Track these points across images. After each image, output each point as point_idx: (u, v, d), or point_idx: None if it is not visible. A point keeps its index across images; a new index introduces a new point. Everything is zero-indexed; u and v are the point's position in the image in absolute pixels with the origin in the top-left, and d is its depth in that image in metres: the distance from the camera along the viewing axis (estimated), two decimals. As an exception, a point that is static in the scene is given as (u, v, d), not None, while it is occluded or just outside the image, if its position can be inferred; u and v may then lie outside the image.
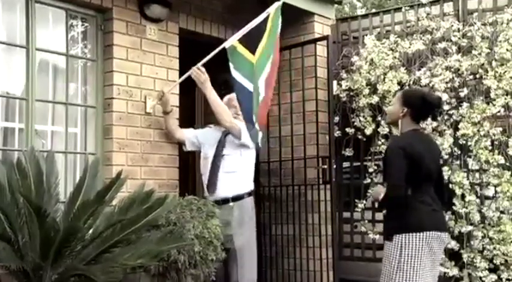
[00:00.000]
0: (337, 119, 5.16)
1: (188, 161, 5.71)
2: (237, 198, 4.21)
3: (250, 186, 4.30)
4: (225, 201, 4.19)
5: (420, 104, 3.36)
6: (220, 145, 4.32)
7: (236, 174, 4.23)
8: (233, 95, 4.35)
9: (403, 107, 3.37)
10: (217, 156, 4.27)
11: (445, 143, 4.46)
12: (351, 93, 5.08)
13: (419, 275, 3.14)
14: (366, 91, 4.90)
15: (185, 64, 4.57)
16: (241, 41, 4.08)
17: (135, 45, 4.36)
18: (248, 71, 4.07)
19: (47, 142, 4.16)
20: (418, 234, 3.15)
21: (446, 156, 4.50)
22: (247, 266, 4.13)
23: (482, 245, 4.36)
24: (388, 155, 3.32)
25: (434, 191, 3.34)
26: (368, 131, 4.94)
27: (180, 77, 4.54)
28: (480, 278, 4.37)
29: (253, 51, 4.10)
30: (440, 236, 3.23)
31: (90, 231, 3.38)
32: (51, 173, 3.48)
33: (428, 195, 3.28)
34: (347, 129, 5.05)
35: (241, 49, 4.07)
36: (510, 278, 4.25)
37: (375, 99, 4.84)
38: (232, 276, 4.15)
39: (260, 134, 4.16)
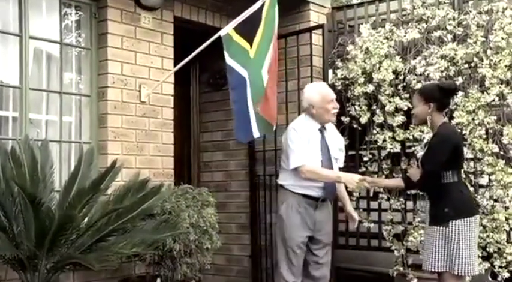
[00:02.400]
0: (332, 107, 5.15)
1: (183, 150, 5.72)
2: None
3: None
4: (324, 199, 4.01)
5: (441, 95, 3.55)
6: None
7: None
8: (321, 90, 4.08)
9: (428, 104, 3.53)
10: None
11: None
12: (346, 82, 5.07)
13: (474, 254, 3.49)
14: (361, 80, 4.89)
15: (180, 53, 4.56)
16: (236, 29, 4.06)
17: (129, 34, 4.34)
18: (245, 60, 4.05)
19: (41, 131, 4.15)
20: (471, 218, 3.46)
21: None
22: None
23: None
24: (436, 141, 3.51)
25: None
26: (363, 120, 4.94)
27: (175, 65, 4.52)
28: (474, 265, 4.40)
29: (249, 40, 4.09)
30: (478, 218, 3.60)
31: (85, 220, 3.39)
32: (45, 162, 3.48)
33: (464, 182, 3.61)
34: (342, 118, 5.04)
35: (237, 38, 4.06)
36: (503, 265, 4.27)
37: (370, 88, 4.83)
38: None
39: (262, 126, 4.09)
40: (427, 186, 3.60)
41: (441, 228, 3.45)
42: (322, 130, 4.01)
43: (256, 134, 4.09)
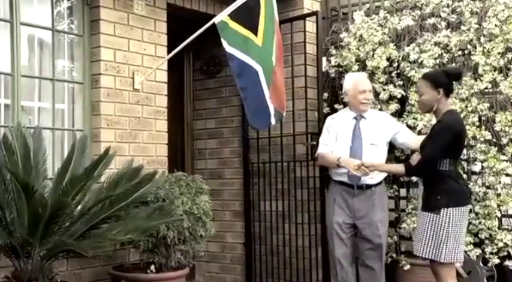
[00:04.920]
0: (326, 95, 5.16)
1: (177, 138, 5.71)
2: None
3: None
4: (361, 186, 4.14)
5: (448, 80, 3.58)
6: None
7: None
8: (356, 79, 4.29)
9: (437, 90, 3.54)
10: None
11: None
12: (340, 70, 5.07)
13: (461, 243, 3.57)
14: (355, 67, 4.88)
15: (173, 40, 4.54)
16: (232, 17, 4.04)
17: (122, 21, 4.31)
18: (248, 48, 4.04)
19: (33, 118, 4.13)
20: (463, 207, 3.52)
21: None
22: None
23: (468, 219, 4.41)
24: (439, 128, 3.53)
25: None
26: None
27: (168, 53, 4.50)
28: (465, 252, 4.43)
29: (252, 29, 4.07)
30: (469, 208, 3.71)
31: (79, 207, 3.38)
32: (38, 149, 3.47)
33: (459, 172, 3.68)
34: (336, 106, 5.05)
35: (233, 25, 4.03)
36: (494, 252, 4.31)
37: (364, 74, 4.82)
38: None
39: (274, 113, 4.19)
40: (424, 172, 3.63)
41: (432, 215, 3.50)
42: (358, 118, 4.19)
43: (273, 120, 4.21)
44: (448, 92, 3.60)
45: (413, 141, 4.15)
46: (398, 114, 4.73)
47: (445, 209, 3.47)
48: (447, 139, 3.47)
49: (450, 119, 3.53)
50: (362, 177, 4.06)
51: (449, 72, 3.63)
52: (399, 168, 3.93)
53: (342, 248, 4.18)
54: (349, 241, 4.20)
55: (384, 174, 4.22)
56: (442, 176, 3.52)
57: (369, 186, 4.14)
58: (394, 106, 4.71)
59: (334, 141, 4.23)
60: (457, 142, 3.55)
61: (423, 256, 3.56)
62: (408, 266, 4.54)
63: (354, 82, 4.26)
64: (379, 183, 4.19)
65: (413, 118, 4.58)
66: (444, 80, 3.56)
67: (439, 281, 3.61)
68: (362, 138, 4.15)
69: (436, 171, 3.52)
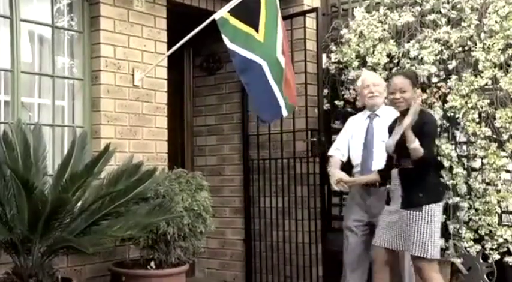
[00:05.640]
0: (326, 91, 5.15)
1: (177, 134, 5.71)
2: None
3: None
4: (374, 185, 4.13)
5: (417, 82, 3.74)
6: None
7: None
8: (361, 77, 4.37)
9: (414, 89, 3.63)
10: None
11: (436, 115, 4.47)
12: (340, 66, 5.06)
13: (439, 237, 3.63)
14: (355, 64, 4.88)
15: (173, 36, 4.53)
16: (232, 13, 4.03)
17: (122, 17, 4.30)
18: (250, 44, 4.04)
19: (33, 115, 4.13)
20: (441, 203, 3.64)
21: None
22: None
23: (468, 216, 4.42)
24: (432, 128, 3.59)
25: None
26: (358, 104, 4.93)
27: (168, 49, 4.50)
28: (465, 248, 4.45)
29: (253, 25, 4.07)
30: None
31: (79, 203, 3.39)
32: (38, 145, 3.46)
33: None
34: (336, 102, 5.04)
35: (234, 21, 4.03)
36: (494, 247, 4.31)
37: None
38: None
39: (283, 108, 4.24)
40: (420, 170, 3.57)
41: (415, 212, 3.52)
42: (371, 117, 4.25)
43: (284, 113, 4.28)
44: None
45: None
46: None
47: (427, 205, 3.51)
48: (434, 138, 3.58)
49: (433, 117, 3.62)
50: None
51: (417, 75, 3.84)
52: (375, 177, 3.97)
53: (353, 246, 4.20)
54: (363, 238, 4.19)
55: None
56: (424, 173, 3.55)
57: (382, 184, 4.07)
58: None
59: (350, 139, 4.32)
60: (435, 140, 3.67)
61: (410, 253, 3.59)
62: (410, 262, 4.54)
63: (360, 80, 4.37)
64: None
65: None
66: (416, 81, 3.72)
67: (423, 276, 3.64)
68: (374, 136, 4.18)
69: (419, 169, 3.53)
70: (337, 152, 4.37)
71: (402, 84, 3.61)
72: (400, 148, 3.56)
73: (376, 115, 4.25)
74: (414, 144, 3.41)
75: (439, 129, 4.46)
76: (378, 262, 3.84)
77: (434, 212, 3.53)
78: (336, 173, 4.15)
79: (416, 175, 3.55)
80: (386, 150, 3.77)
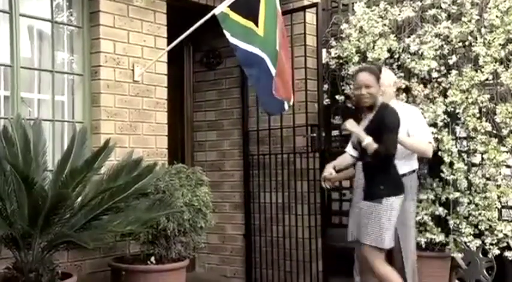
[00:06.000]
0: (326, 87, 5.15)
1: (177, 130, 5.71)
2: None
3: None
4: None
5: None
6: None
7: None
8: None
9: (378, 84, 3.71)
10: None
11: (438, 110, 4.46)
12: (340, 61, 5.05)
13: (392, 230, 3.68)
14: (356, 59, 4.87)
15: (173, 32, 4.52)
16: (232, 8, 4.03)
17: (122, 12, 4.29)
18: (251, 38, 4.04)
19: (33, 110, 4.13)
20: (400, 196, 3.67)
21: (440, 124, 4.50)
22: None
23: (468, 211, 4.42)
24: (391, 124, 3.62)
25: None
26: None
27: (168, 44, 4.49)
28: (465, 243, 4.45)
29: (253, 19, 4.07)
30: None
31: (79, 199, 3.38)
32: (38, 141, 3.46)
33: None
34: (336, 97, 5.04)
35: (234, 16, 4.03)
36: (494, 242, 4.31)
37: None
38: None
39: (285, 103, 4.26)
40: (381, 164, 3.67)
41: (375, 204, 3.63)
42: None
43: (286, 106, 4.29)
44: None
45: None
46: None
47: (387, 198, 3.62)
48: (396, 132, 3.63)
49: (394, 113, 3.66)
50: None
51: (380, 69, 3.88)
52: (350, 173, 4.15)
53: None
54: None
55: (407, 167, 4.12)
56: (385, 167, 3.66)
57: None
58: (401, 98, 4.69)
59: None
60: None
61: (365, 243, 3.68)
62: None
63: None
64: (402, 175, 4.01)
65: (420, 109, 4.55)
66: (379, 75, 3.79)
67: (367, 263, 3.75)
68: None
69: (380, 163, 3.64)
70: (349, 148, 4.28)
71: (367, 80, 3.70)
72: (361, 144, 3.67)
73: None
74: (364, 142, 3.57)
75: (440, 124, 4.47)
76: (363, 261, 3.86)
77: (394, 204, 3.62)
78: (325, 170, 4.14)
79: (378, 168, 3.65)
80: (352, 147, 3.91)
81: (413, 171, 4.17)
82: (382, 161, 3.61)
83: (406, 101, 4.65)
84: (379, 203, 3.60)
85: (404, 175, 4.05)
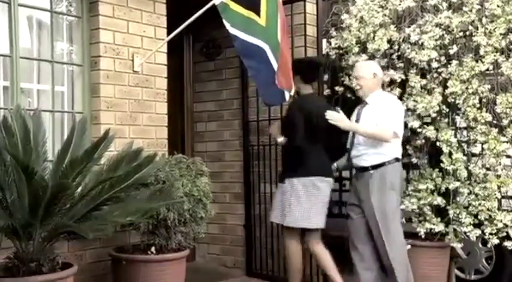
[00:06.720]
0: (326, 77, 5.14)
1: (177, 120, 5.70)
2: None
3: None
4: (358, 169, 4.41)
5: (307, 68, 4.45)
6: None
7: None
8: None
9: (296, 76, 4.35)
10: None
11: (433, 101, 4.46)
12: (341, 52, 5.04)
13: (308, 210, 4.27)
14: (356, 49, 4.85)
15: (173, 22, 4.50)
16: None
17: (121, 2, 4.28)
18: (252, 29, 4.02)
19: (33, 101, 4.12)
20: (306, 178, 4.26)
21: (434, 115, 4.51)
22: None
23: (468, 201, 4.43)
24: (289, 122, 4.32)
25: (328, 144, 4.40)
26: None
27: (168, 35, 4.47)
28: (465, 233, 4.46)
29: (254, 10, 4.05)
30: (327, 180, 4.36)
31: (79, 189, 3.39)
32: (38, 131, 3.45)
33: (319, 148, 4.34)
34: (336, 88, 5.03)
35: (234, 6, 4.00)
36: (493, 232, 4.32)
37: (365, 57, 4.80)
38: None
39: (286, 92, 4.28)
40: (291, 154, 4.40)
41: (282, 185, 4.34)
42: (363, 105, 4.42)
43: (287, 96, 4.33)
44: (306, 79, 4.44)
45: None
46: (399, 97, 4.70)
47: (291, 179, 4.28)
48: (298, 124, 4.21)
49: (292, 112, 4.31)
50: (355, 160, 4.34)
51: (311, 62, 4.59)
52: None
53: (351, 226, 4.41)
54: (360, 221, 4.35)
55: (379, 158, 4.24)
56: (290, 155, 4.36)
57: (364, 169, 4.28)
58: (396, 92, 4.68)
59: None
60: (307, 122, 4.23)
61: (274, 221, 4.44)
62: (408, 247, 4.56)
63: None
64: (377, 165, 4.22)
65: (414, 100, 4.57)
66: (302, 68, 4.41)
67: (284, 242, 4.45)
68: (359, 122, 4.36)
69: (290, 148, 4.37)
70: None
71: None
72: None
73: (367, 103, 4.39)
74: (276, 140, 4.56)
75: (435, 115, 4.48)
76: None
77: (296, 185, 4.24)
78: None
79: (286, 156, 4.49)
80: None
81: (389, 162, 4.23)
82: (287, 150, 4.45)
83: (401, 94, 4.65)
84: (283, 183, 4.33)
85: (376, 166, 4.19)
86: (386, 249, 4.16)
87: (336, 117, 4.24)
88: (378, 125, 4.22)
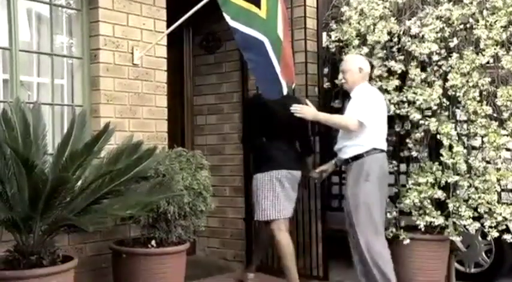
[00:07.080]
0: (326, 70, 5.13)
1: (177, 113, 5.70)
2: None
3: None
4: (344, 161, 4.50)
5: None
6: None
7: None
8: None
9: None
10: None
11: (434, 94, 4.45)
12: (341, 45, 5.02)
13: (275, 202, 4.44)
14: (356, 42, 4.84)
15: (173, 15, 4.49)
16: None
17: (120, -5, 4.26)
18: (253, 22, 4.01)
19: (32, 94, 4.12)
20: (267, 172, 4.44)
21: (435, 107, 4.51)
22: None
23: (468, 194, 4.43)
24: (245, 119, 4.58)
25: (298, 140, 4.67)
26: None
27: (167, 27, 4.46)
28: (464, 226, 4.46)
29: (254, 2, 4.04)
30: (290, 173, 4.50)
31: (79, 182, 3.39)
32: (38, 124, 3.45)
33: (281, 142, 4.52)
34: (336, 81, 5.02)
35: None
36: (493, 225, 4.32)
37: (365, 50, 4.79)
38: None
39: (284, 86, 4.26)
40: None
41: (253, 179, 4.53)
42: (349, 98, 4.49)
43: (285, 91, 4.29)
44: None
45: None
46: (399, 89, 4.70)
47: (255, 174, 4.52)
48: (251, 121, 4.48)
49: (251, 101, 4.59)
50: (339, 153, 4.48)
51: None
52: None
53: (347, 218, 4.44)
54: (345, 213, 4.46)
55: (356, 149, 4.32)
56: (256, 149, 4.60)
57: (346, 161, 4.43)
58: (395, 82, 4.67)
59: None
60: (263, 119, 4.44)
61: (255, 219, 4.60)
62: (408, 241, 4.57)
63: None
64: (355, 157, 4.30)
65: (413, 93, 4.56)
66: None
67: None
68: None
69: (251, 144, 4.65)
70: None
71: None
72: None
73: (351, 97, 4.47)
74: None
75: (436, 108, 4.47)
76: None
77: (260, 180, 4.45)
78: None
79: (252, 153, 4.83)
80: None
81: (367, 153, 4.28)
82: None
83: (397, 86, 4.64)
84: (253, 178, 4.53)
85: (355, 158, 4.28)
86: (359, 241, 4.19)
87: (301, 110, 4.29)
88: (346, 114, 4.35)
